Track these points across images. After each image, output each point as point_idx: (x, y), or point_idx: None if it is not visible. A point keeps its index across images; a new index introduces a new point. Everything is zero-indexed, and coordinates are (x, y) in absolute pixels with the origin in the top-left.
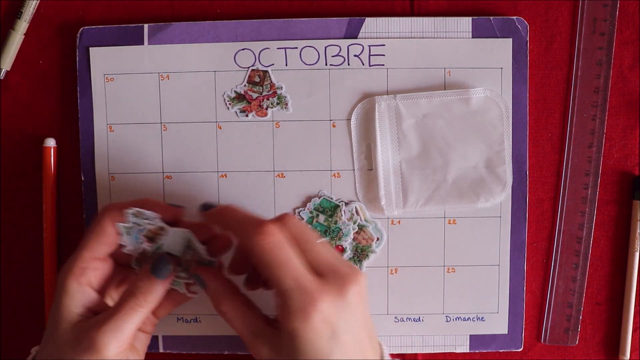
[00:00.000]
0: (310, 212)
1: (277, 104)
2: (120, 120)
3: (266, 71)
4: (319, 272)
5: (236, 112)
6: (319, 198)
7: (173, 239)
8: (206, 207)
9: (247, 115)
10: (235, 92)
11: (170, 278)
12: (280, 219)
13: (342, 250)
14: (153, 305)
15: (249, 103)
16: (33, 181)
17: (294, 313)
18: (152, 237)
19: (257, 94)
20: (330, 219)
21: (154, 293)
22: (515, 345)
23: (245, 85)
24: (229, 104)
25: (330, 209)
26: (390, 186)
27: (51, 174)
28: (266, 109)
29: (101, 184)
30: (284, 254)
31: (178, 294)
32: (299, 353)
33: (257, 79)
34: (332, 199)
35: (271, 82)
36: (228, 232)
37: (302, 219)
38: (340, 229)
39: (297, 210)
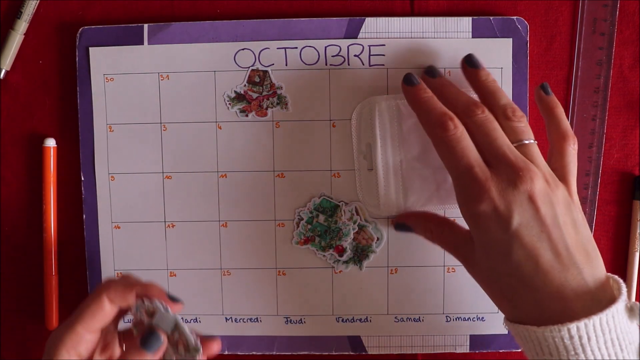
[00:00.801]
0: (310, 212)
1: (277, 104)
2: (120, 120)
3: (266, 71)
4: (492, 163)
5: (236, 112)
6: (319, 198)
7: (166, 318)
8: (407, 80)
9: (247, 115)
10: (235, 92)
11: (160, 353)
12: (470, 112)
13: (342, 250)
14: None
15: (249, 103)
16: (33, 181)
17: (465, 200)
18: (150, 314)
19: (257, 94)
20: (330, 219)
21: None
22: (515, 345)
23: (245, 85)
24: (229, 104)
25: (330, 209)
26: (390, 186)
27: (51, 174)
28: (266, 109)
29: (101, 184)
30: (461, 146)
31: None
32: (481, 247)
33: (257, 79)
34: (332, 199)
35: (271, 82)
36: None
37: (302, 219)
38: (340, 229)
39: (297, 211)
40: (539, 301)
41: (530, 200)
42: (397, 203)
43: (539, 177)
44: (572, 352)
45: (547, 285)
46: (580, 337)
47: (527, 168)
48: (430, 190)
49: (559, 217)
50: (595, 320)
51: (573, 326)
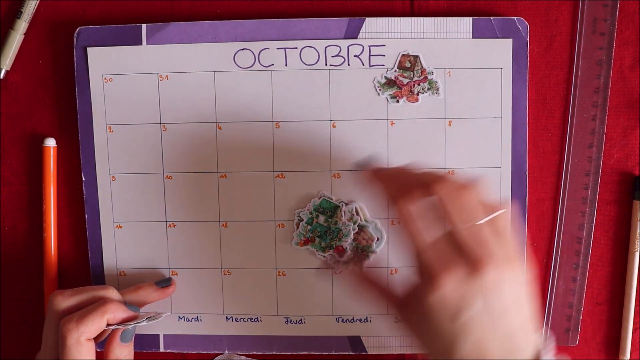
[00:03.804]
0: (310, 213)
1: (428, 89)
2: (119, 120)
3: (417, 56)
4: (459, 249)
5: (387, 98)
6: (319, 198)
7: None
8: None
9: (397, 102)
10: (385, 77)
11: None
12: (429, 187)
13: (342, 250)
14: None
15: (400, 89)
16: (33, 181)
17: (421, 285)
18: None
19: (407, 79)
20: (330, 220)
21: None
22: None
23: (396, 71)
24: (379, 89)
25: (330, 209)
26: None
27: (51, 174)
28: (417, 94)
29: (102, 184)
30: (415, 229)
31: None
32: (427, 329)
33: (407, 64)
34: (332, 199)
35: (422, 67)
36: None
37: (302, 219)
38: (340, 230)
39: (297, 211)
40: None
41: (481, 292)
42: None
43: (493, 266)
44: None
45: None
46: None
47: (479, 259)
48: None
49: (506, 305)
50: None
51: None
